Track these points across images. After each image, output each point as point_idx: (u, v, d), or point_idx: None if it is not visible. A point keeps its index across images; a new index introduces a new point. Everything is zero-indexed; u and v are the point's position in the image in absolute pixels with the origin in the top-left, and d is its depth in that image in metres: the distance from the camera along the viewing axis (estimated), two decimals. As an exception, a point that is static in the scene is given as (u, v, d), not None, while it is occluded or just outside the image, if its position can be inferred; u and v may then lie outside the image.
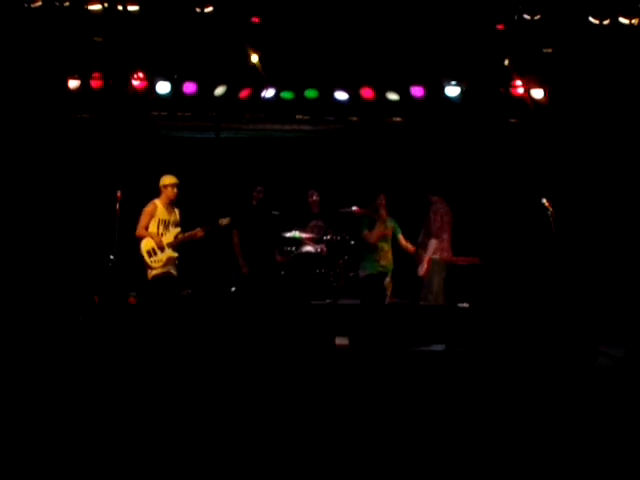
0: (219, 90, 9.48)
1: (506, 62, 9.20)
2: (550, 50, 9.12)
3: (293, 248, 9.26)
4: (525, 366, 6.30)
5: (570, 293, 7.93)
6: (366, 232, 8.41)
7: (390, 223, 8.54)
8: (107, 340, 7.20)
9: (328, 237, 9.27)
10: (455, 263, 8.47)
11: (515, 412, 4.97)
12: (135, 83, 9.35)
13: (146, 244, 7.73)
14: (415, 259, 8.49)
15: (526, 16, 8.61)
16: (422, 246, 8.49)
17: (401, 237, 8.58)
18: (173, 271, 7.73)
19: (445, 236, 8.45)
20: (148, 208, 7.80)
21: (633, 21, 8.58)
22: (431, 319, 7.95)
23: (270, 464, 4.16)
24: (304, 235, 9.29)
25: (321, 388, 5.39)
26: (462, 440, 4.49)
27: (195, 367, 6.03)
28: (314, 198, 9.51)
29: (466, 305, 8.30)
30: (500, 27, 8.86)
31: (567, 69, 9.25)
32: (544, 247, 8.44)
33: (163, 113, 9.87)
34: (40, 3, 8.48)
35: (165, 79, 9.38)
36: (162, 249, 7.72)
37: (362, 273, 8.50)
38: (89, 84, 9.31)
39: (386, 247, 8.43)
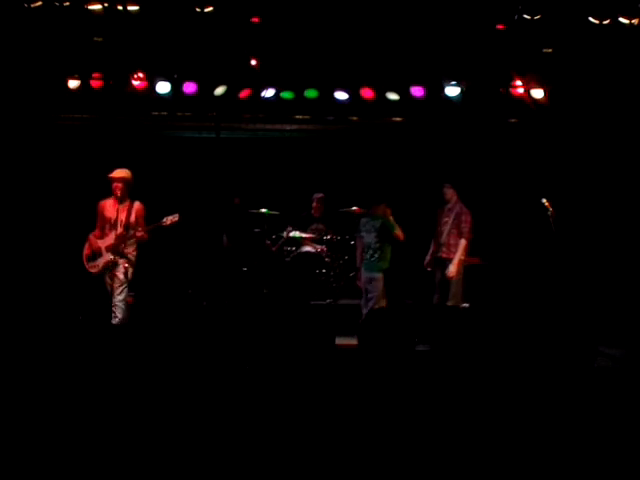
0: (219, 90, 9.48)
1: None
2: (550, 50, 9.12)
3: (293, 248, 9.28)
4: (525, 366, 6.29)
5: (570, 293, 7.93)
6: (397, 231, 8.25)
7: None
8: (104, 340, 7.18)
9: (328, 237, 9.28)
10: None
11: (515, 412, 4.97)
12: (135, 83, 9.35)
13: (86, 248, 7.54)
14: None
15: (526, 16, 8.61)
16: (446, 246, 8.38)
17: None
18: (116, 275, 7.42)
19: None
20: (98, 205, 7.59)
21: (633, 21, 8.58)
22: (433, 319, 7.94)
23: (271, 467, 4.16)
24: (304, 235, 9.30)
25: (322, 388, 5.39)
26: (462, 441, 4.49)
27: (194, 369, 6.02)
28: (317, 203, 9.54)
29: (466, 305, 8.29)
30: (500, 27, 8.86)
31: (567, 69, 9.25)
32: (544, 247, 8.44)
33: (163, 113, 9.87)
34: (40, 3, 8.47)
35: (165, 79, 9.37)
36: (100, 253, 7.47)
37: (378, 274, 8.28)
38: (89, 84, 9.31)
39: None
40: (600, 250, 9.28)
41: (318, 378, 5.69)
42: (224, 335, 7.37)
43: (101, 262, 7.48)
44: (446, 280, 8.27)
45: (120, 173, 7.62)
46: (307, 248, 9.19)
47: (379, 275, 8.25)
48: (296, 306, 8.51)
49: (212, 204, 9.32)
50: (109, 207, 7.56)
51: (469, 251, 8.43)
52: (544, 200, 7.96)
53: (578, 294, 7.98)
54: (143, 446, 4.33)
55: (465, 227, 8.27)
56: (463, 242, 8.26)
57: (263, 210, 9.42)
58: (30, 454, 4.20)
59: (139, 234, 7.49)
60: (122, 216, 7.54)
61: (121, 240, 7.46)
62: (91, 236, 7.58)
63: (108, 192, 7.91)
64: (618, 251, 9.30)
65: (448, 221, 8.40)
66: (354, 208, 9.26)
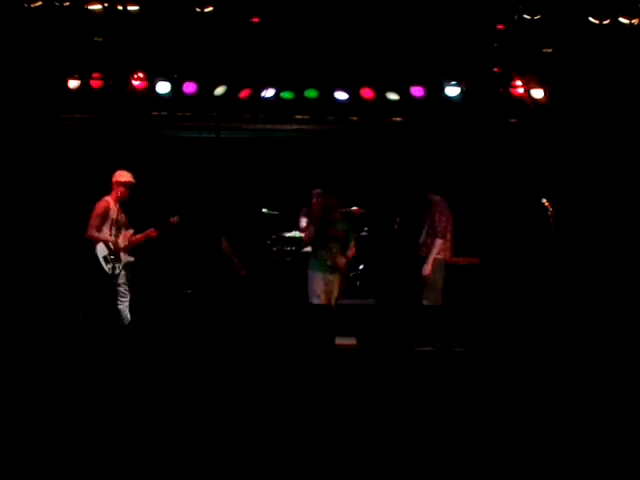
0: (219, 90, 9.48)
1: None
2: (550, 50, 9.12)
3: (293, 248, 9.27)
4: (525, 366, 6.30)
5: (570, 293, 7.93)
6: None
7: (343, 226, 8.35)
8: (103, 340, 7.19)
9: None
10: (455, 263, 8.47)
11: (515, 412, 4.97)
12: (135, 83, 9.35)
13: (102, 249, 7.49)
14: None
15: (526, 16, 8.60)
16: (425, 246, 8.46)
17: (352, 244, 8.38)
18: (128, 277, 7.58)
19: (449, 236, 8.45)
20: (100, 206, 7.53)
21: (633, 21, 8.58)
22: (431, 319, 7.95)
23: (270, 467, 4.16)
24: (304, 235, 9.29)
25: (322, 388, 5.39)
26: (462, 441, 4.50)
27: (194, 369, 6.02)
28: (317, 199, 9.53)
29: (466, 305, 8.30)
30: (500, 27, 8.86)
31: (567, 69, 9.25)
32: (544, 247, 8.44)
33: (163, 113, 9.88)
34: (40, 3, 8.48)
35: (165, 79, 9.38)
36: (118, 255, 7.51)
37: (310, 272, 8.34)
38: (89, 84, 9.31)
39: (335, 248, 8.20)
40: (600, 250, 9.28)
41: (317, 378, 5.69)
42: (223, 335, 7.38)
43: (122, 264, 7.56)
44: (433, 279, 8.32)
45: (131, 178, 7.75)
46: (307, 248, 9.18)
47: (310, 272, 8.36)
48: (296, 306, 8.50)
49: (212, 204, 9.31)
50: (113, 208, 7.61)
51: (454, 251, 8.47)
52: (544, 200, 7.96)
53: (578, 294, 7.98)
54: (143, 446, 4.33)
55: (438, 226, 8.30)
56: (438, 241, 8.26)
57: (263, 210, 9.41)
58: (30, 454, 4.20)
59: (153, 233, 7.72)
60: (122, 217, 7.67)
61: (134, 241, 7.68)
62: (105, 237, 7.54)
63: (107, 192, 7.92)
64: (618, 251, 9.30)
65: (426, 222, 8.48)
66: (354, 208, 9.27)
